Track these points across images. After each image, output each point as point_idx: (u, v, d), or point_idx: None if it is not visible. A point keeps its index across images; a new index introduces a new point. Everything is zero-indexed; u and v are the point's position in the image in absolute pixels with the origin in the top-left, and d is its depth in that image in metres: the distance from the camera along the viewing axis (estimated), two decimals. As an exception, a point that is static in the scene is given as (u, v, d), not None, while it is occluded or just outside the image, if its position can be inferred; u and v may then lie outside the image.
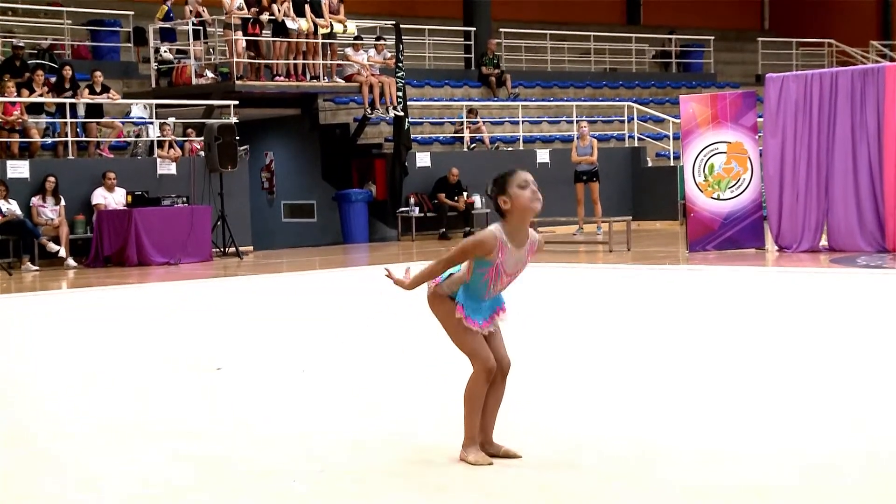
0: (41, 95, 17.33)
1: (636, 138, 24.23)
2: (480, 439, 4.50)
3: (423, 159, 21.15)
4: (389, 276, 4.51)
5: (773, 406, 5.52)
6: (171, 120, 18.39)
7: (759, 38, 30.60)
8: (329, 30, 20.58)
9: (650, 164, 23.83)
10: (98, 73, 18.20)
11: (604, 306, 10.18)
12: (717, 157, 15.39)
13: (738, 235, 15.39)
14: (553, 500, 4.00)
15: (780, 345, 7.51)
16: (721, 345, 7.54)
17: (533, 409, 5.54)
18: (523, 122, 23.58)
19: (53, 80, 17.81)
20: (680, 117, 16.08)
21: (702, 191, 15.46)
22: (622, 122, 24.69)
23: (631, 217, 18.32)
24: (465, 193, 20.83)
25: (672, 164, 23.20)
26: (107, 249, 16.34)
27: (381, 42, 21.71)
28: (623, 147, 24.03)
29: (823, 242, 14.96)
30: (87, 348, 8.30)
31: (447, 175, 20.57)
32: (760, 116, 15.83)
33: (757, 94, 16.74)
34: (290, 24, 20.00)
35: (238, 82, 19.29)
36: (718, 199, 15.42)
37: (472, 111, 22.72)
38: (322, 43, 20.48)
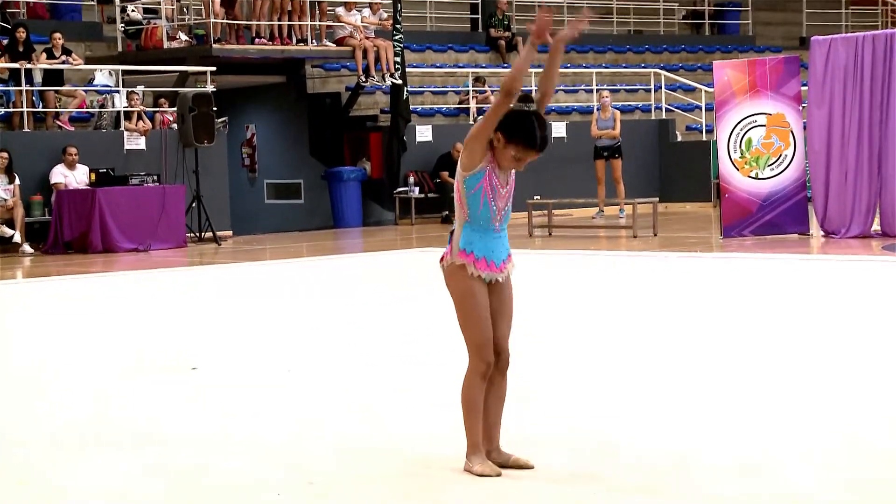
0: (-7, 60, 17.33)
1: (664, 109, 24.21)
2: (486, 447, 4.52)
3: (423, 133, 21.14)
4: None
5: (811, 410, 5.53)
6: (140, 88, 18.38)
7: (804, -4, 30.55)
8: (318, -14, 20.58)
9: (679, 139, 23.81)
10: (57, 35, 18.18)
11: (626, 299, 10.19)
12: (756, 131, 15.38)
13: (778, 219, 15.38)
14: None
15: (824, 343, 7.52)
16: (757, 343, 7.55)
17: (546, 412, 5.55)
18: (537, 91, 23.52)
19: (6, 42, 17.79)
20: (713, 86, 16.06)
21: (738, 169, 15.46)
22: (648, 91, 24.66)
23: (657, 198, 18.34)
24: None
25: (704, 138, 23.18)
26: (67, 234, 16.36)
27: (377, 1, 21.69)
28: (649, 119, 24.01)
29: (875, 227, 14.96)
30: (46, 345, 8.32)
31: (451, 151, 20.58)
32: (805, 85, 15.80)
33: (801, 59, 16.72)
34: (273, -21, 19.99)
35: (215, 46, 19.28)
36: (757, 177, 15.41)
37: (478, 79, 22.71)
38: (310, 1, 20.46)
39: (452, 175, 22.23)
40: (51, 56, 17.94)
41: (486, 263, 4.50)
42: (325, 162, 21.51)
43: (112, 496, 4.39)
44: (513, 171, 4.56)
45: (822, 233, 15.15)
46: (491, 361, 4.48)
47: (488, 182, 4.48)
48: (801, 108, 15.48)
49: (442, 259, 4.60)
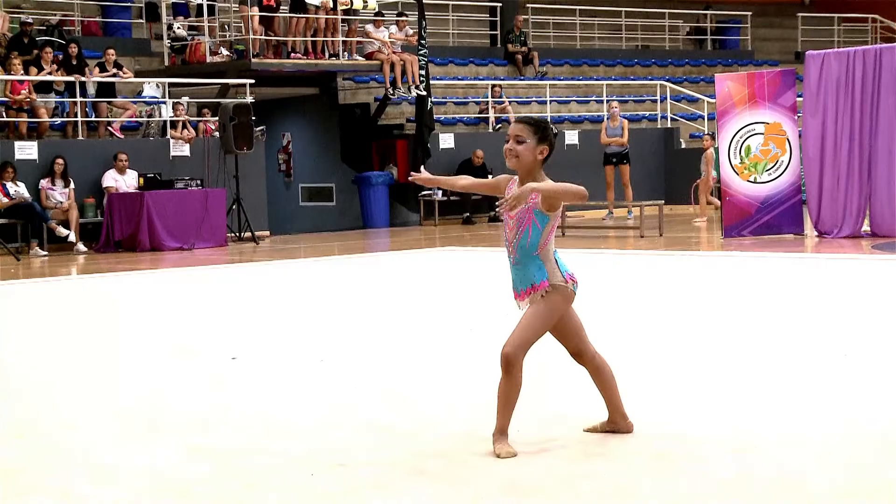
0: (50, 73, 17.39)
1: (669, 119, 24.13)
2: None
3: (446, 140, 21.12)
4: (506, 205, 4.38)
5: (810, 396, 5.49)
6: (185, 99, 18.43)
7: (799, 14, 30.38)
8: (349, 5, 20.55)
9: (684, 146, 23.71)
10: (110, 51, 18.25)
11: (634, 294, 10.15)
12: (754, 139, 15.31)
13: (775, 220, 15.31)
14: (579, 495, 3.99)
15: (819, 334, 7.46)
16: (756, 334, 7.50)
17: (561, 398, 5.53)
18: (551, 101, 23.50)
19: (61, 57, 17.86)
20: (715, 97, 16.00)
21: (738, 173, 15.39)
22: (654, 101, 24.58)
23: (663, 201, 18.26)
24: (489, 176, 20.80)
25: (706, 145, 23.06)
26: (118, 234, 16.41)
27: (403, 18, 21.67)
28: (655, 128, 23.93)
29: (866, 228, 14.87)
30: (98, 337, 8.34)
31: (471, 157, 20.54)
32: (800, 96, 15.71)
33: (796, 72, 16.63)
34: (308, -1, 19.99)
35: (254, 60, 19.31)
36: (755, 182, 15.34)
37: (497, 90, 22.67)
38: (341, 19, 20.46)
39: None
40: (103, 70, 17.99)
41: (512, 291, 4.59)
42: (355, 167, 21.51)
43: (159, 476, 4.38)
44: (528, 203, 4.44)
45: (815, 233, 15.07)
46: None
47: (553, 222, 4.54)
48: (796, 117, 15.40)
49: None
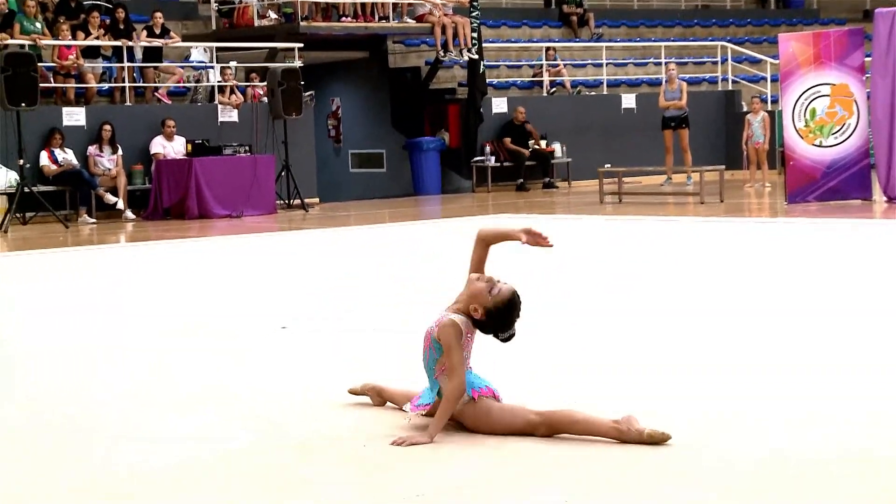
0: (97, 38, 17.48)
1: (730, 81, 23.84)
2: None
3: (499, 105, 21.00)
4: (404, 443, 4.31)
5: (872, 370, 5.38)
6: (233, 64, 18.45)
7: (867, -29, 29.82)
8: (399, -34, 20.46)
9: (745, 109, 23.40)
10: (158, 15, 18.29)
11: (694, 261, 10.04)
12: (820, 101, 15.09)
13: (842, 185, 15.10)
14: (586, 479, 3.94)
15: (886, 305, 7.32)
16: (820, 303, 7.38)
17: (609, 373, 5.47)
18: (607, 64, 23.28)
19: (108, 21, 17.93)
20: (779, 57, 15.77)
21: (802, 137, 15.18)
22: (715, 63, 24.27)
23: (724, 166, 18.05)
24: (544, 141, 20.67)
25: (770, 108, 22.77)
26: (166, 201, 16.51)
27: (455, -21, 21.53)
28: (716, 90, 23.66)
29: (937, 193, 14.62)
30: (147, 305, 8.38)
31: (513, 118, 20.36)
32: (868, 56, 15.46)
33: (865, 31, 16.33)
34: (357, -40, 19.92)
35: (303, 24, 19.27)
36: (821, 146, 15.13)
37: (551, 53, 22.49)
38: (392, -20, 20.37)
39: (515, 142, 22.25)
40: (151, 34, 18.05)
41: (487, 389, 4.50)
42: (406, 133, 21.46)
43: (201, 444, 4.38)
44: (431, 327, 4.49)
45: (884, 198, 14.85)
46: None
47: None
48: (864, 78, 15.15)
49: None
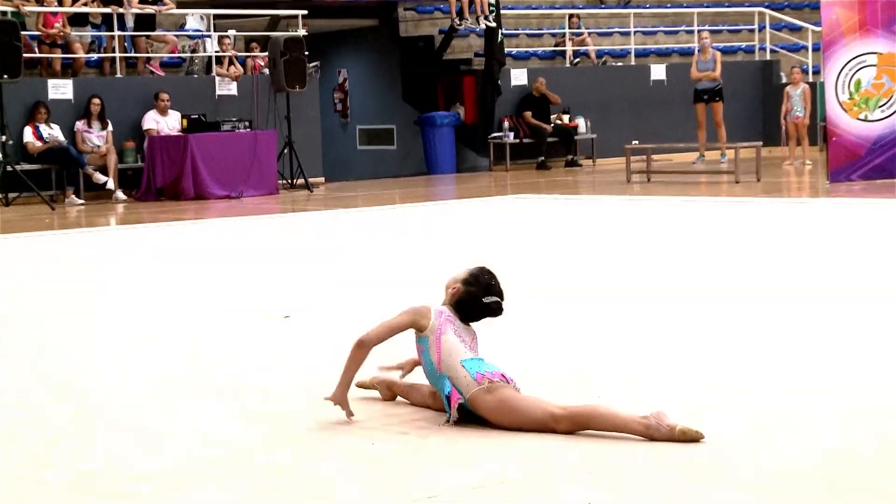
0: (85, 5, 17.51)
1: (768, 50, 23.77)
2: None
3: (518, 77, 20.99)
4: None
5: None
6: (232, 33, 18.47)
7: (917, -69, 29.68)
8: (410, -73, 20.46)
9: (784, 81, 23.34)
10: (150, -21, 18.34)
11: (729, 245, 10.04)
12: (866, 71, 15.05)
13: (889, 163, 15.08)
14: (600, 478, 3.96)
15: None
16: (866, 289, 7.38)
17: (627, 356, 5.50)
18: (635, 32, 23.23)
19: (98, -13, 17.98)
20: (821, 24, 15.73)
21: (846, 111, 15.15)
22: (752, 31, 24.20)
23: (761, 143, 18.03)
24: (567, 116, 20.66)
25: (811, 79, 22.70)
26: (159, 181, 16.56)
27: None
28: (753, 60, 23.60)
29: None
30: (140, 293, 8.43)
31: (532, 90, 20.34)
32: (918, 23, 15.42)
33: (914, -5, 16.27)
34: (365, -80, 19.92)
35: (307, -11, 19.30)
36: (866, 120, 15.11)
37: (575, 21, 22.45)
38: (402, -58, 20.36)
39: (535, 115, 22.15)
40: (143, 0, 18.08)
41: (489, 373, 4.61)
42: (418, 107, 21.47)
43: (210, 439, 4.43)
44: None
45: (934, 177, 14.84)
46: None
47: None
48: (914, 47, 15.12)
49: None
